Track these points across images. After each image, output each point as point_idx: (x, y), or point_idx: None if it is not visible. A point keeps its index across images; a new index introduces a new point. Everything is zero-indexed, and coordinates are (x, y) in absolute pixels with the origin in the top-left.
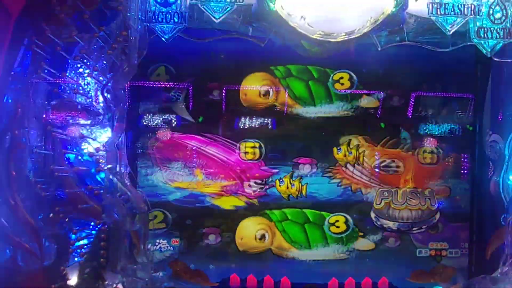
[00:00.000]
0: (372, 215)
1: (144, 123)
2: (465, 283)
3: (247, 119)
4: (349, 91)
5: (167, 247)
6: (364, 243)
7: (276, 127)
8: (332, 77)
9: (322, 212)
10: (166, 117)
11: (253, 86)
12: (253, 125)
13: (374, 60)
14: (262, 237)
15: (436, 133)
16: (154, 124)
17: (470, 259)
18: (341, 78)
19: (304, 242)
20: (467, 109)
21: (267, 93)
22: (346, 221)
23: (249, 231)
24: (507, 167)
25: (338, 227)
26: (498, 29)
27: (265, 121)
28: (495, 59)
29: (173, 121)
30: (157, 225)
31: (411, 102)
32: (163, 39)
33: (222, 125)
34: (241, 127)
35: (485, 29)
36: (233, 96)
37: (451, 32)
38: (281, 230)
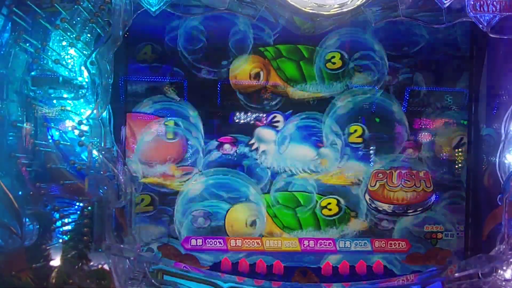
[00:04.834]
0: (367, 197)
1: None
2: (461, 264)
3: None
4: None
5: None
6: (358, 225)
7: None
8: (324, 56)
9: (314, 195)
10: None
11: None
12: None
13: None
14: (253, 223)
15: (431, 126)
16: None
17: (466, 242)
18: (333, 57)
19: (296, 227)
20: (461, 103)
21: (257, 76)
22: (338, 203)
23: (239, 218)
24: (503, 147)
25: (330, 209)
26: (494, 2)
27: None
28: (491, 35)
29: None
30: (144, 208)
31: (406, 96)
32: (151, 11)
33: None
34: None
35: (481, 2)
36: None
37: (446, 5)
38: (272, 215)
